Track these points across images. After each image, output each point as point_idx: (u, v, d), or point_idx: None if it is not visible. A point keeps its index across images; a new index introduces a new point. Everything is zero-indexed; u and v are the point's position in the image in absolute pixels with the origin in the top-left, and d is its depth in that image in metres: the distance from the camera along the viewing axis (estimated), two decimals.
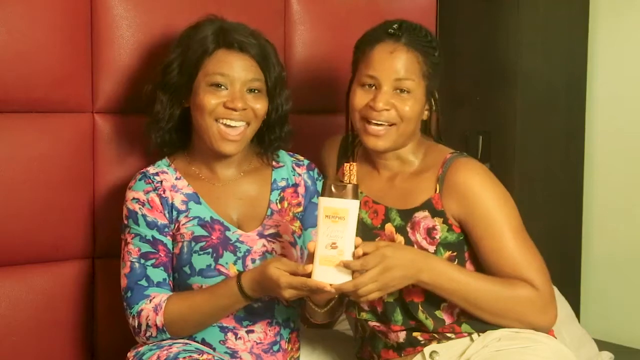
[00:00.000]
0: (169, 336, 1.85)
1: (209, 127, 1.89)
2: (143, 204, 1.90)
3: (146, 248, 1.89)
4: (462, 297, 1.83)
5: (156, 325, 1.83)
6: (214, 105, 1.88)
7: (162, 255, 1.90)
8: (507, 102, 2.80)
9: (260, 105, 1.91)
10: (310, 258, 1.73)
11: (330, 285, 1.70)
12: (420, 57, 1.90)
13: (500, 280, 1.85)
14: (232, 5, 2.21)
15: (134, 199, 1.91)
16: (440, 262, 1.85)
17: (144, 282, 1.87)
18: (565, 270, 2.92)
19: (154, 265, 1.88)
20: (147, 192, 1.91)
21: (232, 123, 1.89)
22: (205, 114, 1.89)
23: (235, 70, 1.89)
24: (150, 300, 1.85)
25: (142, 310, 1.85)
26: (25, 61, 2.01)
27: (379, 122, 1.90)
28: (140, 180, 1.94)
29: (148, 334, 1.85)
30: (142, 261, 1.88)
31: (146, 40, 2.15)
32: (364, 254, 1.73)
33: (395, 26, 1.91)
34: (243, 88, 1.90)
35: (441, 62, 1.95)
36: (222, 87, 1.89)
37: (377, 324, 1.96)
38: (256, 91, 1.92)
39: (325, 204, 1.72)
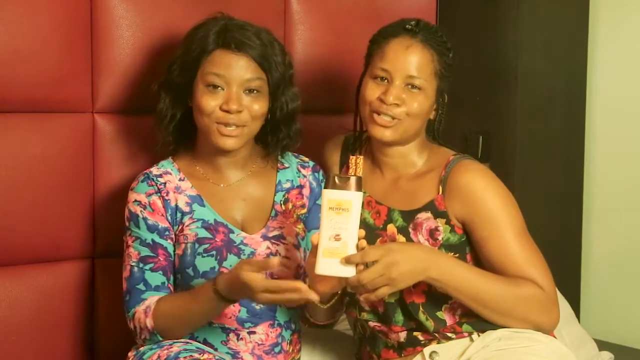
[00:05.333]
0: (161, 338, 1.84)
1: (208, 126, 1.88)
2: (144, 207, 1.90)
3: (145, 252, 1.88)
4: (469, 295, 1.83)
5: (147, 327, 1.83)
6: (212, 107, 1.87)
7: (162, 259, 1.89)
8: (507, 102, 2.80)
9: (257, 106, 1.89)
10: (314, 250, 1.73)
11: (335, 277, 1.70)
12: (435, 55, 1.91)
13: (507, 278, 1.85)
14: (232, 5, 2.21)
15: (135, 201, 1.91)
16: (449, 259, 1.86)
17: (141, 286, 1.86)
18: (565, 270, 2.92)
19: (152, 270, 1.88)
20: (149, 195, 1.91)
21: (228, 128, 1.87)
22: (204, 116, 1.88)
23: (231, 70, 1.87)
24: (143, 303, 1.85)
25: (135, 312, 1.85)
26: (25, 61, 2.01)
27: (387, 115, 1.90)
28: (142, 181, 1.93)
29: (143, 336, 1.85)
30: (141, 265, 1.87)
31: (146, 40, 2.15)
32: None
33: (412, 23, 1.92)
34: (240, 89, 1.88)
35: (454, 64, 1.95)
36: (219, 87, 1.87)
37: (378, 324, 1.96)
38: (255, 91, 1.89)
39: (328, 195, 1.73)
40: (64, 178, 2.08)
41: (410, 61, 1.89)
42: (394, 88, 1.89)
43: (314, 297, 1.69)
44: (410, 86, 1.90)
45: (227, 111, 1.86)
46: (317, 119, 2.35)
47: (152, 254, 1.88)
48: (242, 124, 1.88)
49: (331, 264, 1.71)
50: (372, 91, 1.92)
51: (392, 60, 1.90)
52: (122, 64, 2.13)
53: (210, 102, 1.87)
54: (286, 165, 2.04)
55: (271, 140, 2.00)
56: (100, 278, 2.16)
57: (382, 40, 1.93)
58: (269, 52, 1.90)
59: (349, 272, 1.72)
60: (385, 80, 1.91)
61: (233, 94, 1.87)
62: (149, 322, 1.82)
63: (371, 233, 1.93)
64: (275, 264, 1.68)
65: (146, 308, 1.83)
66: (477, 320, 1.88)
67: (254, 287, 1.68)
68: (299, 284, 1.68)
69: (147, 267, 1.88)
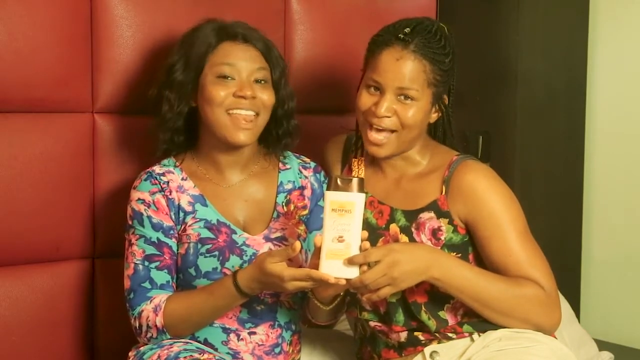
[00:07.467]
0: (169, 337, 1.85)
1: (220, 119, 1.88)
2: (148, 205, 1.90)
3: (151, 250, 1.88)
4: (470, 294, 1.83)
5: (156, 325, 1.83)
6: (223, 96, 1.87)
7: (167, 257, 1.89)
8: (507, 102, 2.80)
9: (267, 96, 1.91)
10: (317, 252, 1.73)
11: (336, 278, 1.70)
12: (428, 65, 1.88)
13: (509, 278, 1.85)
14: (232, 6, 2.21)
15: (139, 199, 1.90)
16: (451, 259, 1.85)
17: (147, 285, 1.86)
18: (565, 270, 2.92)
19: (158, 268, 1.88)
20: (153, 193, 1.90)
21: (243, 112, 1.88)
22: (215, 106, 1.88)
23: (241, 59, 1.89)
24: (151, 301, 1.85)
25: (142, 311, 1.85)
26: (25, 61, 2.01)
27: (380, 128, 1.90)
28: (145, 180, 1.92)
29: (149, 334, 1.85)
30: (147, 263, 1.87)
31: (146, 40, 2.15)
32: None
33: (407, 30, 1.88)
34: (250, 77, 1.90)
35: (453, 67, 1.94)
36: (230, 78, 1.89)
37: (379, 324, 1.96)
38: (262, 81, 1.91)
39: (331, 197, 1.73)
40: (64, 178, 2.08)
41: (400, 73, 1.87)
42: (385, 100, 1.88)
43: (341, 282, 1.72)
44: (403, 97, 1.89)
45: (242, 97, 1.87)
46: (317, 119, 2.36)
47: (157, 253, 1.88)
48: (256, 109, 1.89)
49: (334, 266, 1.71)
50: (365, 100, 1.92)
51: (383, 72, 1.88)
52: (122, 64, 2.13)
53: (220, 92, 1.88)
54: (288, 166, 2.04)
55: (272, 137, 2.00)
56: (100, 278, 2.16)
57: (376, 49, 1.91)
58: (270, 45, 1.94)
59: (352, 273, 1.72)
60: (378, 91, 1.91)
61: (245, 81, 1.89)
62: (159, 321, 1.82)
63: (374, 233, 1.93)
64: (297, 248, 1.71)
65: (155, 307, 1.83)
66: (478, 321, 1.89)
67: (284, 277, 1.71)
68: (325, 276, 1.70)
69: (153, 265, 1.87)
